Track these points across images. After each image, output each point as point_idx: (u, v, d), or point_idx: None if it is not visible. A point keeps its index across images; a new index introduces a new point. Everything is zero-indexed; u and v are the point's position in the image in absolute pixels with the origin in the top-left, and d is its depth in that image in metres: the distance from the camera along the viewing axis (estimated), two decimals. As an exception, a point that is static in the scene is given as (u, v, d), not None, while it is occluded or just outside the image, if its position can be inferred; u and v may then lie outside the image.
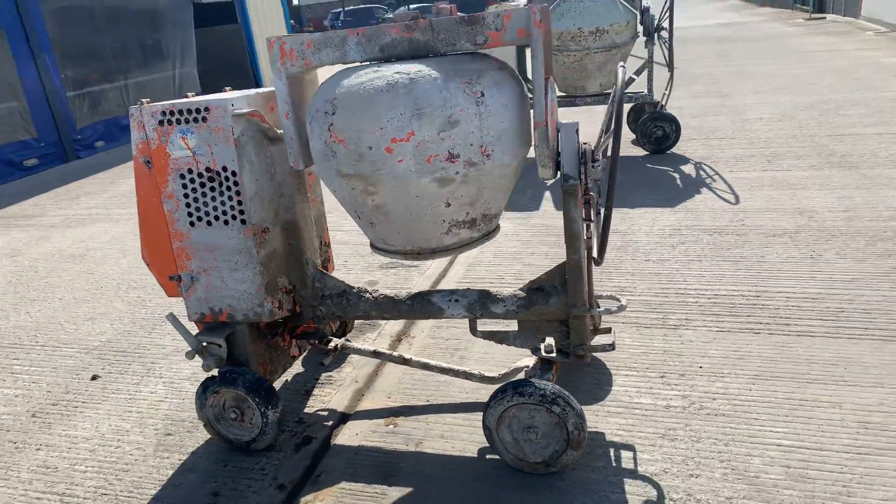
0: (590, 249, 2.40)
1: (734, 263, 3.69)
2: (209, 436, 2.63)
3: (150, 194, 2.44)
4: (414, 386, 2.87)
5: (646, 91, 6.07)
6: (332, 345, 2.83)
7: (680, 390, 2.63)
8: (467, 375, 2.71)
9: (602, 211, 2.27)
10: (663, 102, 6.08)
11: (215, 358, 2.51)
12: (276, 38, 2.30)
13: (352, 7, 26.02)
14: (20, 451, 2.73)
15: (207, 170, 2.34)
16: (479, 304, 2.52)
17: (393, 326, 3.38)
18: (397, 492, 2.26)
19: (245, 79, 13.85)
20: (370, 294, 2.66)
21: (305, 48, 2.29)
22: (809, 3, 20.21)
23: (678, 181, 5.31)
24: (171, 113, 2.31)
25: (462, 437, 2.50)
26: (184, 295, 2.53)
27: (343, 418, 2.70)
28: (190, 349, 2.51)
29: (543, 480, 2.23)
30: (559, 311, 2.43)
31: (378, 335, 3.33)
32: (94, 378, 3.26)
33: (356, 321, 3.47)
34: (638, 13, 5.86)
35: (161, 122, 2.33)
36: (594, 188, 2.27)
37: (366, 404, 2.77)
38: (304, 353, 3.09)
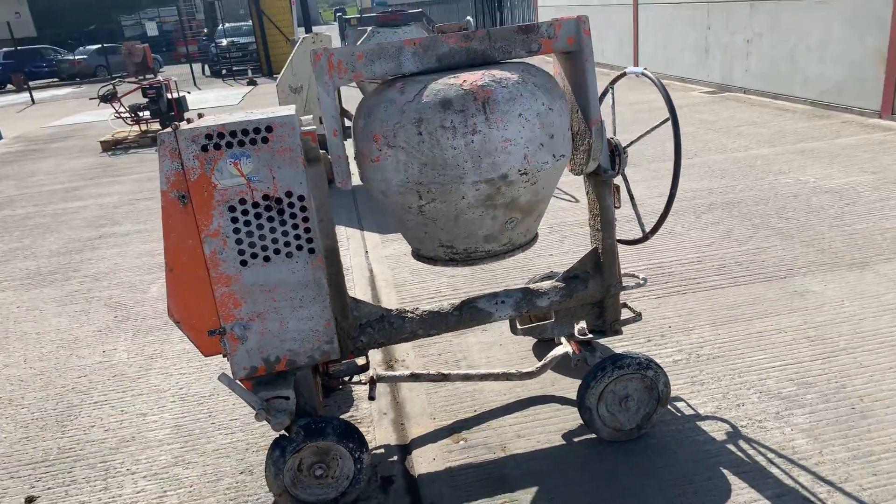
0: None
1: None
2: (267, 510, 2.25)
3: (185, 236, 2.04)
4: (448, 402, 2.82)
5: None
6: (369, 376, 2.64)
7: (671, 347, 3.07)
8: (507, 376, 2.77)
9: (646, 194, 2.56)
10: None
11: (285, 413, 2.18)
12: (322, 49, 2.14)
13: (10, 49, 21.91)
14: None
15: (265, 197, 2.05)
16: (524, 301, 2.62)
17: (374, 354, 3.22)
18: (525, 494, 2.25)
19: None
20: (412, 313, 2.57)
21: (356, 60, 2.18)
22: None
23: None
24: (220, 135, 1.98)
25: (539, 430, 2.57)
26: (228, 350, 2.15)
27: (404, 450, 2.54)
28: (256, 411, 2.14)
29: (638, 443, 2.44)
30: (597, 293, 2.66)
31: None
32: (29, 502, 2.48)
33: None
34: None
35: (205, 148, 1.98)
36: (621, 178, 2.58)
37: (416, 431, 2.64)
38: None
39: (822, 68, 7.88)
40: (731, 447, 2.38)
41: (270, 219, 2.08)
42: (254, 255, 2.09)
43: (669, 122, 2.34)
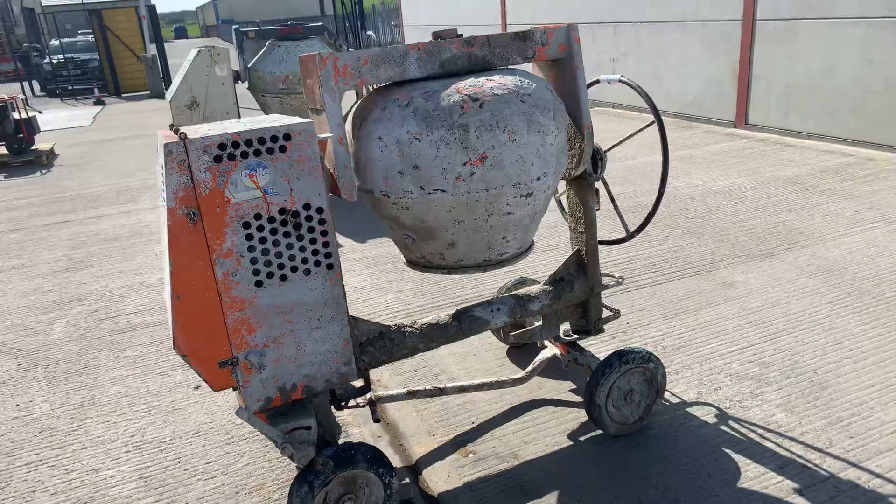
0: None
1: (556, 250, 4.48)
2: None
3: (194, 258, 1.83)
4: (442, 417, 2.74)
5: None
6: (367, 397, 2.49)
7: (637, 341, 3.22)
8: (500, 384, 2.75)
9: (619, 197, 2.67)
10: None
11: (309, 445, 2.00)
12: (328, 54, 2.03)
13: None
14: None
15: (282, 211, 1.90)
16: (518, 306, 2.63)
17: (346, 377, 3.05)
18: (551, 498, 2.24)
19: None
20: (410, 328, 2.48)
21: (361, 65, 2.09)
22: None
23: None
24: (235, 145, 1.80)
25: (543, 434, 2.57)
26: (240, 382, 1.95)
27: (413, 471, 2.44)
28: (280, 446, 1.94)
29: (641, 435, 2.52)
30: (582, 294, 2.73)
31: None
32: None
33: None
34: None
35: (218, 159, 1.79)
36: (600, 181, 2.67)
37: (419, 450, 2.54)
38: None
39: (683, 84, 8.72)
40: (724, 428, 2.54)
41: (287, 234, 1.92)
42: (269, 275, 1.92)
43: (647, 127, 2.47)
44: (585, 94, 2.42)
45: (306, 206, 1.93)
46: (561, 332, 2.81)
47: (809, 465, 2.31)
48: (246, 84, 6.07)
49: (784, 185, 5.56)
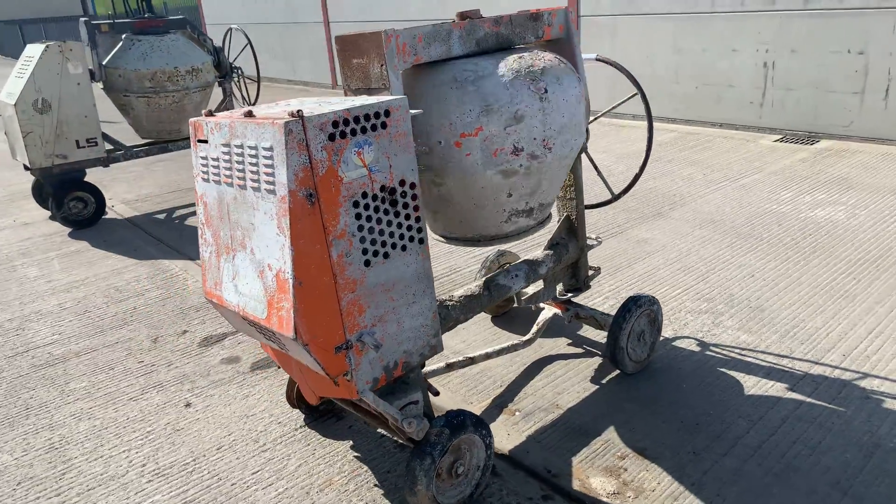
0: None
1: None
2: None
3: (312, 241, 1.76)
4: (467, 387, 2.84)
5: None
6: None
7: (600, 296, 3.57)
8: (514, 347, 2.91)
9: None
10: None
11: (421, 418, 2.01)
12: (392, 31, 2.06)
13: None
14: None
15: (382, 188, 1.89)
16: (531, 271, 2.83)
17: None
18: (610, 434, 2.48)
19: None
20: (451, 301, 2.57)
21: (417, 43, 2.15)
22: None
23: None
24: (346, 122, 1.77)
25: (570, 384, 2.80)
26: (353, 365, 1.91)
27: (471, 436, 2.52)
28: (401, 424, 1.93)
29: (650, 370, 2.86)
30: (574, 255, 3.01)
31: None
32: None
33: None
34: (211, 53, 5.88)
35: (332, 137, 1.75)
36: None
37: (466, 417, 2.62)
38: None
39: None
40: (709, 353, 2.97)
41: (386, 211, 1.92)
42: (375, 254, 1.90)
43: (630, 98, 2.80)
44: (583, 71, 2.68)
45: (401, 183, 1.94)
46: (557, 292, 3.07)
47: (785, 368, 2.81)
48: (101, 84, 5.46)
49: (637, 158, 6.36)
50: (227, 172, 1.91)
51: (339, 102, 1.91)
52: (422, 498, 2.01)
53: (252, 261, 1.89)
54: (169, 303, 3.89)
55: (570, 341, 3.16)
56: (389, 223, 1.93)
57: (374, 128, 1.84)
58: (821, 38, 6.34)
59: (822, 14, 6.27)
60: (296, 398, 2.64)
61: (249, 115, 1.87)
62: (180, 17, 5.66)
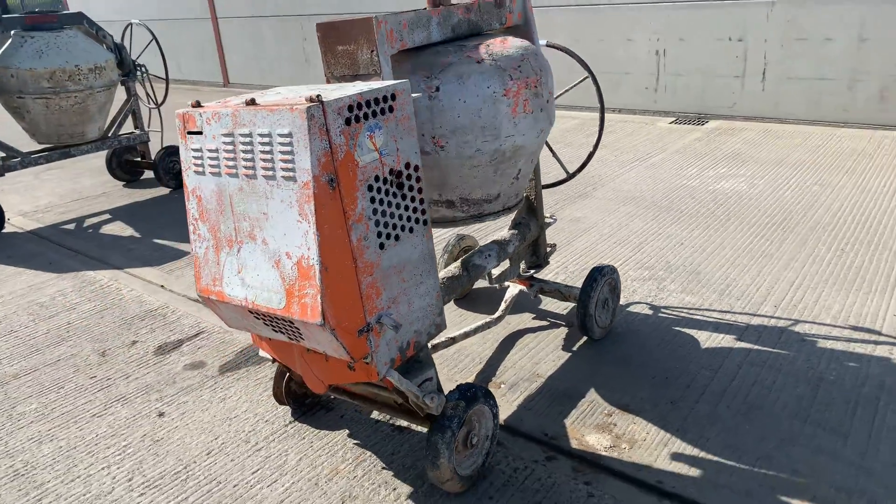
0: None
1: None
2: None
3: (335, 226, 1.77)
4: (448, 366, 2.92)
5: (138, 131, 5.85)
6: (410, 358, 2.55)
7: (553, 271, 3.75)
8: (488, 325, 3.00)
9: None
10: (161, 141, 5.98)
11: (437, 393, 2.06)
12: (383, 16, 2.10)
13: None
14: None
15: (391, 171, 1.93)
16: (501, 250, 2.95)
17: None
18: (594, 394, 2.64)
19: None
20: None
21: (402, 29, 2.19)
22: None
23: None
24: (359, 105, 1.79)
25: (545, 354, 2.94)
26: (373, 347, 1.93)
27: (465, 411, 2.60)
28: (422, 399, 1.97)
29: (613, 335, 3.06)
30: (535, 233, 3.16)
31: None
32: None
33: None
34: (112, 50, 5.51)
35: (348, 121, 1.77)
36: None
37: (455, 395, 2.70)
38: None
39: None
40: (662, 315, 3.22)
41: (394, 194, 1.96)
42: (388, 237, 1.94)
43: (581, 81, 2.97)
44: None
45: (407, 165, 1.98)
46: (521, 269, 3.21)
47: (730, 322, 3.11)
48: (-11, 86, 4.99)
49: (572, 147, 6.66)
50: (231, 163, 1.87)
51: (338, 88, 1.92)
52: (444, 471, 2.07)
53: (264, 251, 1.87)
54: (107, 314, 3.66)
55: (534, 315, 3.31)
56: (398, 206, 1.97)
57: (382, 112, 1.87)
58: (705, 27, 6.92)
59: (706, 5, 6.84)
60: (284, 393, 2.60)
61: (252, 102, 1.84)
62: (77, 12, 5.27)
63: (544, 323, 3.23)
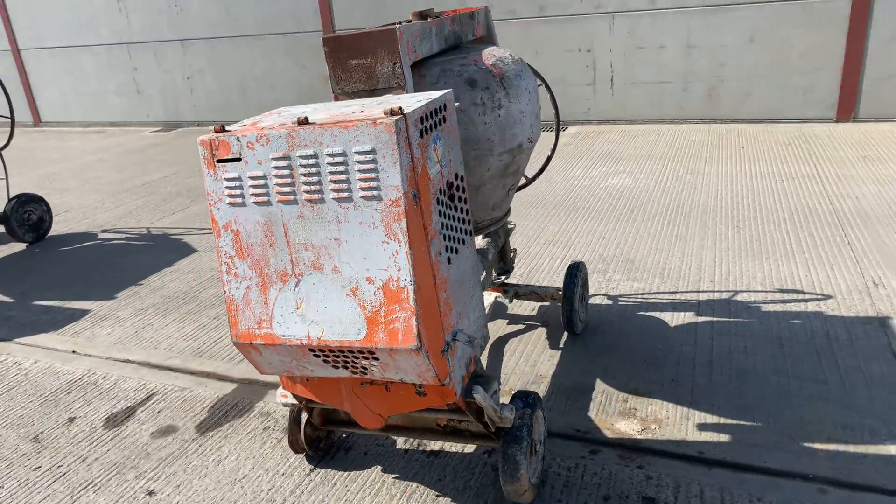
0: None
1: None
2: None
3: (420, 242, 1.68)
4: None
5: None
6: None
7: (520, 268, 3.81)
8: (476, 335, 3.00)
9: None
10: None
11: (509, 404, 2.01)
12: (403, 27, 2.04)
13: None
14: None
15: (448, 184, 1.87)
16: (483, 259, 2.95)
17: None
18: (599, 384, 2.73)
19: None
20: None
21: (415, 39, 2.15)
22: None
23: (122, 247, 5.01)
24: (427, 117, 1.72)
25: (536, 355, 2.99)
26: (451, 367, 1.85)
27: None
28: (500, 413, 1.92)
29: (590, 328, 3.20)
30: (504, 238, 3.21)
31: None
32: None
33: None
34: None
35: (422, 133, 1.69)
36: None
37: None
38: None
39: (275, 94, 9.20)
40: (622, 302, 3.43)
41: (451, 207, 1.90)
42: (450, 250, 1.88)
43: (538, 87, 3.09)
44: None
45: (456, 177, 1.94)
46: (493, 277, 3.24)
47: (683, 301, 3.39)
48: None
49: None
50: (287, 188, 1.69)
51: (385, 102, 1.83)
52: (524, 482, 2.03)
53: (335, 280, 1.72)
54: (17, 395, 3.08)
55: (507, 320, 3.35)
56: (455, 218, 1.92)
57: (439, 123, 1.82)
58: (557, 40, 7.47)
59: (555, 20, 7.39)
60: (304, 440, 2.37)
61: (306, 122, 1.69)
62: None
63: (521, 326, 3.28)
